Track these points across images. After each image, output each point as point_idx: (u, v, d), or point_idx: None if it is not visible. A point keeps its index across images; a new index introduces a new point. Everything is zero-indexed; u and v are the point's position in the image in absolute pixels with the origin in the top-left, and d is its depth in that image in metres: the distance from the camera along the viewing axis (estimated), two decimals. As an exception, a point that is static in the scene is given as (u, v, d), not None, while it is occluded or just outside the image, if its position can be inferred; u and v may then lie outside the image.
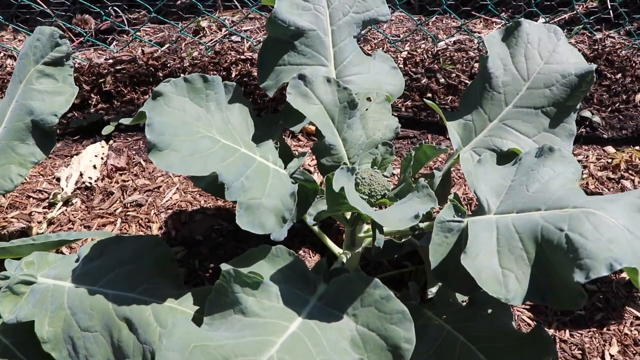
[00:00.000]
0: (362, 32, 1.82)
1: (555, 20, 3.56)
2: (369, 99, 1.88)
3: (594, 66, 1.66)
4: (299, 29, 1.69)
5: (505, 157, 1.62)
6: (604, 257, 1.13)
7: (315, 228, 1.80)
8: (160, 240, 1.67)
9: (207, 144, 1.36)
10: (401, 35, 3.25)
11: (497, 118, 1.71)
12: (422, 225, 1.53)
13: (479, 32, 3.37)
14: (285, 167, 1.53)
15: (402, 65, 2.86)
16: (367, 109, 1.89)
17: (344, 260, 1.72)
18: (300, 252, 2.09)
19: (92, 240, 1.90)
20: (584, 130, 2.79)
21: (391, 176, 1.75)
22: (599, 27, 3.37)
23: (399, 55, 2.91)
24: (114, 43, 3.28)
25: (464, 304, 1.65)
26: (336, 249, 1.81)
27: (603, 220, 1.22)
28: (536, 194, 1.38)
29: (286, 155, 1.62)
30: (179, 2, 3.77)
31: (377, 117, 1.88)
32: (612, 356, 1.89)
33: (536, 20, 3.55)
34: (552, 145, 1.47)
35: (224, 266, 1.30)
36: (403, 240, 1.80)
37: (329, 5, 1.75)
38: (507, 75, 1.71)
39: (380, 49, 3.00)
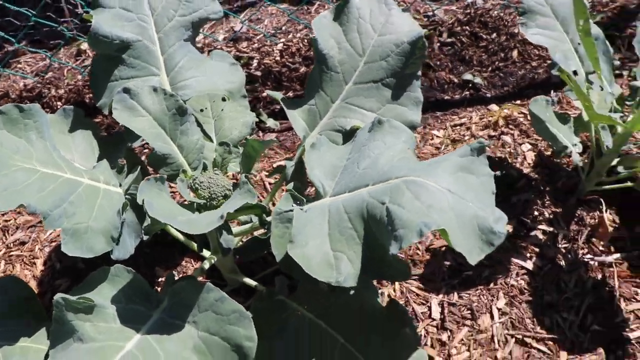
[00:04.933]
0: (196, 33, 1.79)
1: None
2: (224, 99, 1.87)
3: (422, 31, 1.66)
4: (124, 42, 1.66)
5: (349, 135, 1.62)
6: (417, 223, 1.13)
7: (180, 236, 1.77)
8: (18, 279, 1.63)
9: (22, 177, 1.32)
10: (283, 28, 3.22)
11: (339, 98, 1.71)
12: (268, 218, 1.51)
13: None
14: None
15: (279, 57, 2.84)
16: (222, 110, 1.88)
17: (206, 266, 1.69)
18: (183, 262, 2.06)
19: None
20: (468, 92, 2.81)
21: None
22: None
23: (274, 48, 2.89)
24: (-8, 80, 3.19)
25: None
26: (208, 254, 1.79)
27: (424, 186, 1.22)
28: (366, 170, 1.38)
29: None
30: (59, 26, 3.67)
31: (233, 116, 1.86)
32: (499, 309, 1.91)
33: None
34: (381, 118, 1.47)
35: (57, 296, 1.26)
36: (268, 235, 1.78)
37: (153, 12, 1.72)
38: (343, 53, 1.71)
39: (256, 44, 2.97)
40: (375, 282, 1.98)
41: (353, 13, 1.72)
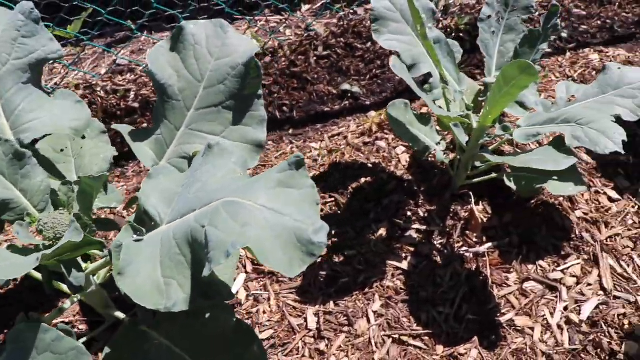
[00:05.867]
0: (37, 74, 1.78)
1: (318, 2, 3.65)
2: (84, 136, 1.87)
3: (254, 52, 1.70)
4: (-45, 91, 1.64)
5: (191, 161, 1.64)
6: (227, 243, 1.15)
7: (39, 276, 1.75)
8: None
9: None
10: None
11: (183, 125, 1.72)
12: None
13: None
14: None
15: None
16: (81, 147, 1.88)
17: (67, 306, 1.68)
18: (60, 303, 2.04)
19: None
20: (347, 102, 2.88)
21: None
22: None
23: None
24: None
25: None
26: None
27: (242, 205, 1.24)
28: (197, 194, 1.40)
29: None
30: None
31: (94, 152, 1.86)
32: (375, 312, 1.96)
33: (304, 4, 3.63)
34: (212, 142, 1.49)
35: None
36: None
37: (-14, 59, 1.70)
38: (182, 81, 1.73)
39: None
40: (248, 301, 2.00)
41: (189, 40, 1.74)
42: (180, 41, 1.74)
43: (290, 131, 2.71)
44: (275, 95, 2.83)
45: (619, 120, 2.03)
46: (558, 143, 1.92)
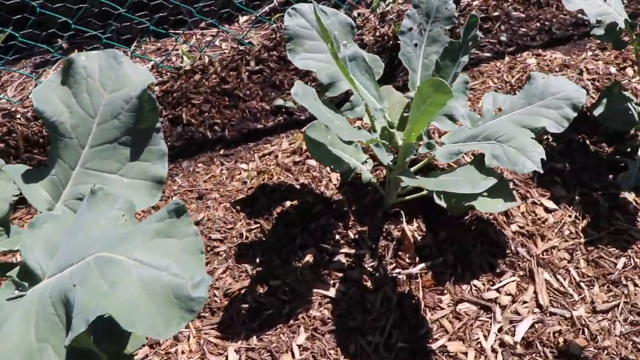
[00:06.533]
0: None
1: (259, 12, 3.55)
2: (-18, 176, 1.75)
3: (147, 84, 1.60)
4: None
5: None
6: (90, 308, 1.06)
7: None
8: None
9: None
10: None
11: (78, 164, 1.62)
12: None
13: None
14: None
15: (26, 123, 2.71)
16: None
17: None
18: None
19: None
20: (281, 117, 2.79)
21: None
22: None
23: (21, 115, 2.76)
24: None
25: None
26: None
27: (113, 261, 1.15)
28: (78, 245, 1.30)
29: None
30: None
31: (-7, 193, 1.75)
32: (300, 346, 1.87)
33: (240, 17, 3.54)
34: (94, 187, 1.39)
35: None
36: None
37: None
38: (75, 117, 1.62)
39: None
40: (167, 339, 1.91)
41: (80, 73, 1.64)
42: (71, 74, 1.64)
43: (222, 151, 2.61)
44: (206, 114, 2.73)
45: (545, 132, 1.97)
46: (480, 161, 1.85)
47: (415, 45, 2.12)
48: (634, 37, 2.30)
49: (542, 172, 1.67)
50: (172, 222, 1.23)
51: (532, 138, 1.77)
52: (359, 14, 3.37)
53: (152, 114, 1.61)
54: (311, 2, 1.93)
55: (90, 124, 1.63)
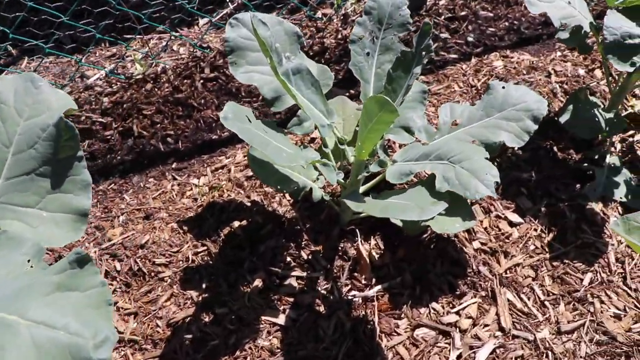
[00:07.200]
0: None
1: (221, 13, 3.41)
2: None
3: (68, 106, 1.48)
4: None
5: (-3, 243, 1.42)
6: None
7: None
8: None
9: None
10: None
11: (-7, 198, 1.50)
12: None
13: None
14: None
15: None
16: None
17: None
18: None
19: None
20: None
21: None
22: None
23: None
24: None
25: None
26: None
27: (4, 322, 1.03)
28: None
29: None
30: None
31: None
32: (244, 382, 1.77)
33: (200, 19, 3.40)
34: (-1, 229, 1.28)
35: None
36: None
37: None
38: (-14, 147, 1.50)
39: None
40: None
41: (-6, 99, 1.51)
42: (-16, 101, 1.51)
43: (175, 165, 2.49)
44: (159, 125, 2.61)
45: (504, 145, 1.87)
46: (433, 182, 1.73)
47: (368, 54, 2.00)
48: (600, 41, 2.19)
49: (495, 197, 1.56)
50: (75, 273, 1.12)
51: (486, 158, 1.66)
52: (323, 15, 3.24)
53: (72, 142, 1.49)
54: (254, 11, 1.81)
55: (5, 154, 1.50)
